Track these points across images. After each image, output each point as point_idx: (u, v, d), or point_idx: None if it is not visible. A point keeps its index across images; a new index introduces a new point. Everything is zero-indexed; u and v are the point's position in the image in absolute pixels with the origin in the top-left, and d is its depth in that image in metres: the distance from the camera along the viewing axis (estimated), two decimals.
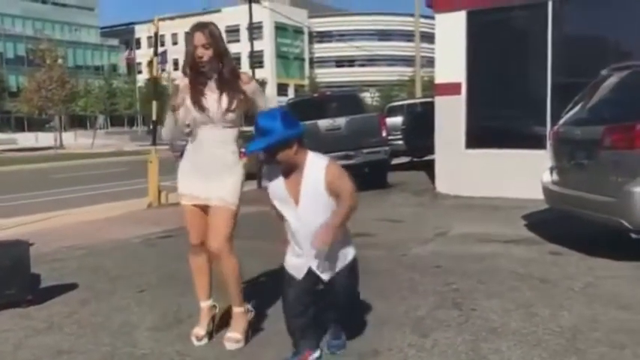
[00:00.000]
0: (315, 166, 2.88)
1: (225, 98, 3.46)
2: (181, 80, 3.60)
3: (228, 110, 3.46)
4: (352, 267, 3.07)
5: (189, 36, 3.48)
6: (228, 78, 3.50)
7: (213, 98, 3.46)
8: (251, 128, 3.14)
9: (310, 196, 2.87)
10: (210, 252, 3.52)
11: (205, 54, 3.44)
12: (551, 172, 6.20)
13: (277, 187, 2.97)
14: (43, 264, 5.81)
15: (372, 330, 3.64)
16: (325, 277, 3.00)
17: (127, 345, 3.61)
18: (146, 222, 8.34)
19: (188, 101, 3.47)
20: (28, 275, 4.48)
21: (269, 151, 2.88)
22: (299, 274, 3.00)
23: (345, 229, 3.00)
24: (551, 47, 8.83)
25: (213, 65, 3.46)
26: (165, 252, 6.29)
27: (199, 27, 3.49)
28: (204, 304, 3.65)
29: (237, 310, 3.56)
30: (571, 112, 6.12)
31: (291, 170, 2.91)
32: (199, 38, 3.44)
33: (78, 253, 6.48)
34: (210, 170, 3.48)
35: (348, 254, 3.05)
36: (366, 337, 3.53)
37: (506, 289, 4.49)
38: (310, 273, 2.98)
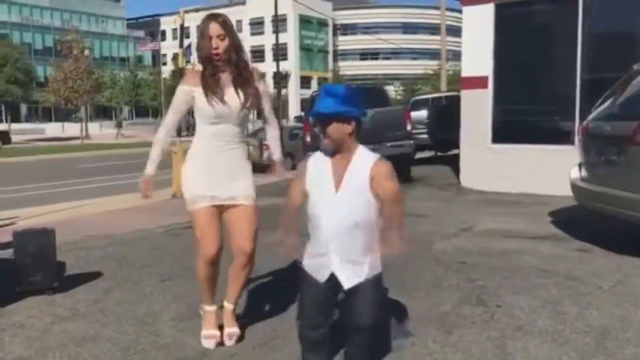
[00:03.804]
0: (364, 158, 2.62)
1: (241, 93, 3.32)
2: (191, 73, 3.49)
3: (244, 106, 3.33)
4: (379, 282, 2.68)
5: (202, 27, 3.31)
6: (243, 72, 3.36)
7: (230, 92, 3.31)
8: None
9: (352, 187, 2.59)
10: (242, 253, 3.36)
11: (221, 45, 3.27)
12: (580, 169, 6.08)
13: (320, 167, 2.64)
14: (67, 252, 5.87)
15: (395, 324, 3.60)
16: (347, 284, 2.61)
17: (150, 334, 3.62)
18: (170, 212, 8.39)
19: (201, 95, 3.29)
20: (54, 263, 4.52)
21: (326, 120, 2.59)
22: (321, 276, 2.63)
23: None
24: (581, 41, 8.66)
25: (229, 58, 3.30)
26: (189, 242, 6.24)
27: (213, 17, 3.33)
28: (212, 307, 3.51)
29: (231, 306, 3.51)
30: (601, 108, 6.00)
31: (338, 155, 2.63)
32: (214, 28, 3.26)
33: (102, 242, 6.53)
34: (231, 169, 3.35)
35: (376, 266, 2.66)
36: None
37: (532, 286, 4.42)
38: (333, 276, 2.62)
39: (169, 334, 3.62)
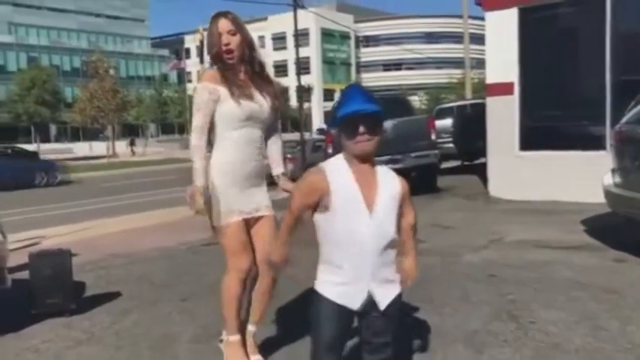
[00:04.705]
0: (388, 173, 2.34)
1: (265, 93, 3.12)
2: (209, 73, 3.15)
3: (271, 107, 3.11)
4: (401, 296, 2.40)
5: (211, 25, 3.10)
6: (260, 72, 3.15)
7: (255, 92, 3.08)
8: None
9: (387, 206, 2.28)
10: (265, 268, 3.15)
11: (232, 41, 3.04)
12: (614, 174, 5.83)
13: (345, 182, 2.24)
14: (88, 272, 5.83)
15: (423, 343, 3.41)
16: (383, 304, 2.31)
17: (166, 357, 3.49)
18: (193, 229, 8.29)
19: (227, 95, 3.01)
20: (71, 284, 4.44)
21: (376, 121, 2.25)
22: (355, 302, 2.28)
23: None
24: (609, 43, 8.38)
25: (241, 54, 3.08)
26: (211, 259, 6.18)
27: (222, 13, 3.11)
28: (238, 337, 3.20)
29: (254, 329, 3.30)
30: (634, 110, 5.75)
31: (363, 164, 2.28)
32: (224, 24, 3.06)
33: (124, 261, 6.46)
34: (254, 180, 3.13)
35: (397, 282, 2.38)
36: (415, 351, 3.30)
37: (568, 299, 4.19)
38: (366, 300, 2.29)
39: (186, 358, 3.48)
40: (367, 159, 2.27)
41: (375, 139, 2.25)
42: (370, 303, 2.29)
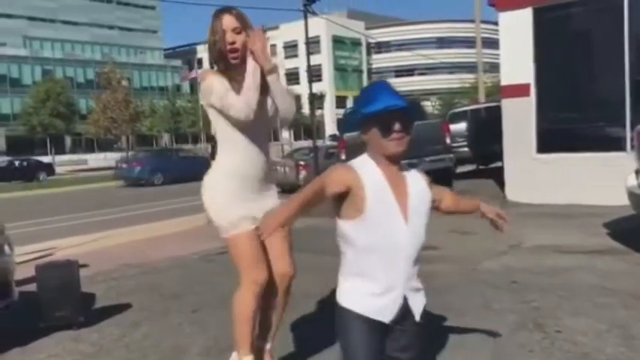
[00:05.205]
0: (413, 174, 2.17)
1: (266, 98, 2.89)
2: (211, 72, 2.92)
3: (271, 112, 2.93)
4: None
5: (213, 22, 2.87)
6: (262, 75, 2.87)
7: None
8: None
9: (419, 208, 2.12)
10: (285, 276, 2.98)
11: (237, 39, 2.80)
12: (638, 175, 5.63)
13: (380, 184, 2.05)
14: (99, 283, 5.73)
15: (445, 355, 3.25)
16: (418, 315, 2.13)
17: None
18: (205, 237, 8.18)
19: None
20: (79, 296, 4.32)
21: (408, 118, 2.09)
22: (386, 315, 2.07)
23: None
24: (628, 41, 8.19)
25: (246, 54, 2.82)
26: (225, 268, 6.04)
27: (226, 9, 2.89)
28: (252, 357, 2.96)
29: (269, 346, 3.13)
30: None
31: (393, 166, 2.10)
32: (229, 21, 2.84)
33: (135, 271, 6.35)
34: (262, 184, 2.95)
35: (423, 291, 2.19)
36: None
37: (594, 306, 4.01)
38: (398, 313, 2.08)
39: None
40: (396, 160, 2.10)
41: (407, 138, 2.08)
42: (403, 313, 2.10)
